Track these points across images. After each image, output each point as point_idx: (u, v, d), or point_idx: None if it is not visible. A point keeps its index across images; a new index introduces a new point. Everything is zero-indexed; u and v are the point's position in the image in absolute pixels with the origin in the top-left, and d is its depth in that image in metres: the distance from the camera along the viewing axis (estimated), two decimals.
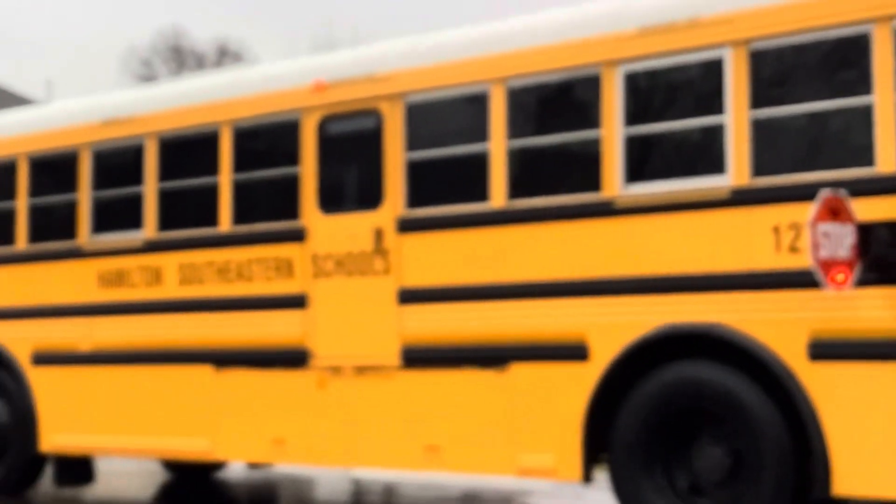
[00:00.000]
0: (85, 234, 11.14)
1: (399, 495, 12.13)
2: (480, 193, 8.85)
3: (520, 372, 8.60)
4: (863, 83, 7.33)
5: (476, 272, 8.83)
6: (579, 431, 8.28)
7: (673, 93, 8.24)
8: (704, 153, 7.95)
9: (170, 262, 10.59)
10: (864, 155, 7.31)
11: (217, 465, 13.27)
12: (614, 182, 8.23)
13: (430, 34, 9.54)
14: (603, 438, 8.29)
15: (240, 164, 10.19)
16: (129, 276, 10.85)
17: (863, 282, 7.22)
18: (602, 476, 8.44)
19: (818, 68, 7.60)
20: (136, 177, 10.87)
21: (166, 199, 10.68)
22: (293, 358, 9.73)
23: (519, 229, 8.66)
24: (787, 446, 7.51)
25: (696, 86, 8.06)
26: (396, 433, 9.18)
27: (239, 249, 10.13)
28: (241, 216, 10.18)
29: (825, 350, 7.36)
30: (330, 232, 9.60)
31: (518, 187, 8.70)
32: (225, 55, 48.59)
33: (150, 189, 10.75)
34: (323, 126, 9.71)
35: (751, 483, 7.62)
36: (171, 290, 10.57)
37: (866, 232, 7.22)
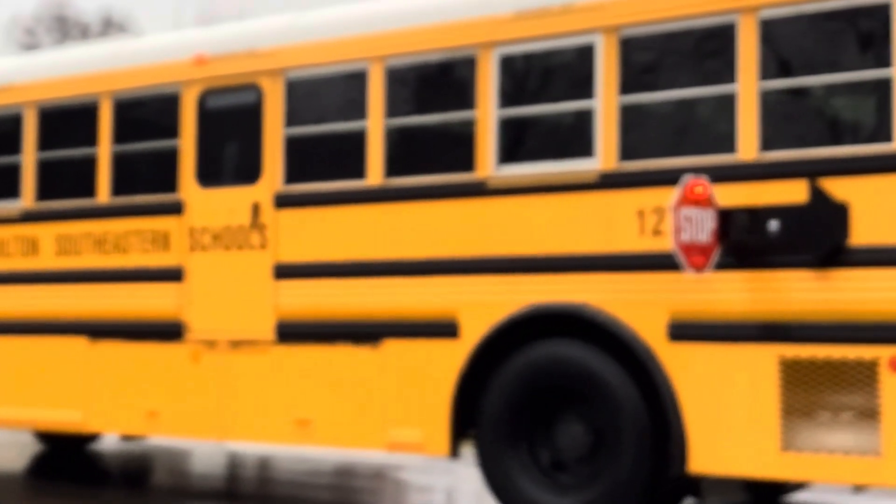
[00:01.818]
0: None
1: (273, 469, 12.20)
2: (357, 171, 8.93)
3: (392, 348, 8.70)
4: (727, 72, 7.54)
5: (351, 249, 8.91)
6: (448, 407, 8.40)
7: (546, 76, 8.38)
8: (575, 137, 8.10)
9: (47, 233, 10.52)
10: (727, 142, 7.52)
11: (90, 437, 13.21)
12: (487, 163, 8.36)
13: (311, 11, 9.58)
14: (471, 415, 8.42)
15: (119, 135, 10.16)
16: (5, 246, 10.76)
17: (722, 265, 7.43)
18: (470, 451, 8.58)
19: (686, 56, 7.79)
20: (14, 146, 10.77)
21: (45, 169, 10.61)
22: (168, 331, 9.74)
23: (394, 207, 8.75)
24: (646, 425, 7.70)
25: (569, 70, 8.21)
26: (269, 407, 9.24)
27: (116, 221, 10.10)
28: (119, 188, 10.15)
29: (684, 331, 7.57)
30: (207, 205, 9.61)
31: (395, 166, 8.80)
32: (109, 26, 47.92)
33: (28, 159, 10.67)
34: (203, 100, 9.72)
35: (610, 460, 7.81)
36: (47, 260, 10.51)
37: (726, 217, 7.42)
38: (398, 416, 8.65)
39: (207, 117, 9.70)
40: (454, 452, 8.48)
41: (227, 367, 9.47)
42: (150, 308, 9.87)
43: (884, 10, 7.07)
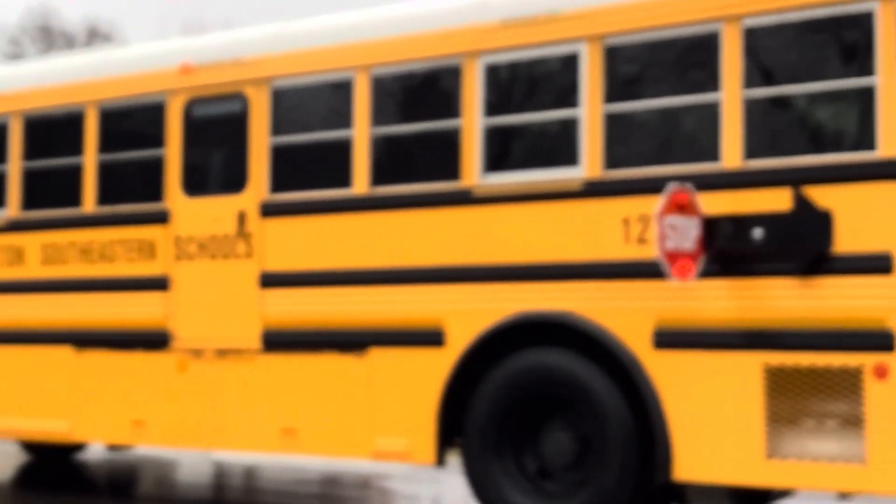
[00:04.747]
0: None
1: (259, 478, 12.19)
2: (343, 179, 8.94)
3: (379, 357, 8.71)
4: (711, 81, 7.57)
5: (337, 258, 8.92)
6: (434, 416, 8.41)
7: (532, 85, 8.40)
8: (560, 145, 8.13)
9: (32, 242, 10.51)
10: (711, 151, 7.55)
11: (76, 447, 13.18)
12: (473, 171, 8.38)
13: (297, 21, 9.60)
14: (457, 423, 8.43)
15: (105, 144, 10.16)
16: None
17: (706, 273, 7.46)
18: (456, 460, 8.59)
19: (670, 65, 7.82)
20: None
21: (30, 178, 10.60)
22: (154, 340, 9.74)
23: (380, 216, 8.76)
24: (632, 432, 7.72)
25: (554, 79, 8.24)
26: (255, 416, 9.24)
27: (102, 230, 10.10)
28: (105, 197, 10.15)
29: (669, 339, 7.59)
30: (193, 214, 9.61)
31: (380, 174, 8.81)
32: (95, 36, 47.85)
33: (13, 168, 10.66)
34: (189, 109, 9.72)
35: (596, 467, 7.82)
36: (33, 269, 10.50)
37: (711, 225, 7.45)
38: (384, 424, 8.66)
39: (193, 126, 9.71)
40: (440, 461, 8.49)
41: (214, 376, 9.46)
42: (136, 317, 9.86)
43: (867, 20, 7.11)
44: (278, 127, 9.28)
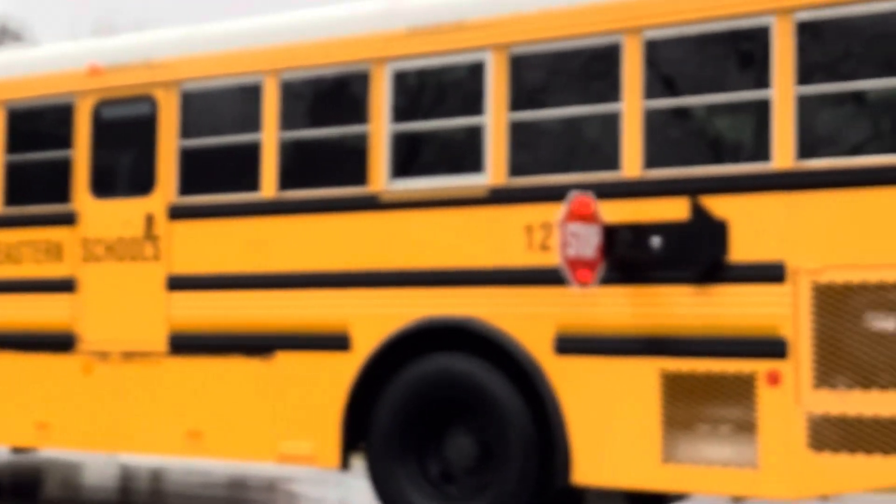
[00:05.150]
0: None
1: (165, 481, 12.15)
2: (251, 183, 8.96)
3: (285, 360, 8.74)
4: (613, 91, 7.69)
5: (245, 261, 8.94)
6: (339, 420, 8.45)
7: (439, 92, 8.48)
8: (466, 152, 8.21)
9: None
10: (612, 160, 7.67)
11: None
12: (380, 177, 8.43)
13: (207, 24, 9.60)
14: (362, 427, 8.48)
15: (12, 145, 10.09)
16: None
17: (606, 280, 7.58)
18: (361, 463, 8.63)
19: (573, 75, 7.93)
20: None
21: None
22: (60, 342, 9.68)
23: (287, 220, 8.79)
24: (532, 437, 7.81)
25: (461, 87, 8.32)
26: (161, 419, 9.22)
27: (9, 231, 10.02)
28: (12, 198, 10.07)
29: (570, 344, 7.70)
30: (101, 216, 9.58)
31: (288, 179, 8.84)
32: (5, 35, 47.15)
33: None
34: (97, 110, 9.68)
35: (497, 471, 7.91)
36: None
37: (611, 233, 7.57)
38: (290, 428, 8.68)
39: (102, 128, 9.67)
40: (345, 465, 8.53)
41: (120, 379, 9.43)
42: (42, 319, 9.80)
43: (763, 34, 7.27)
44: (187, 130, 9.28)
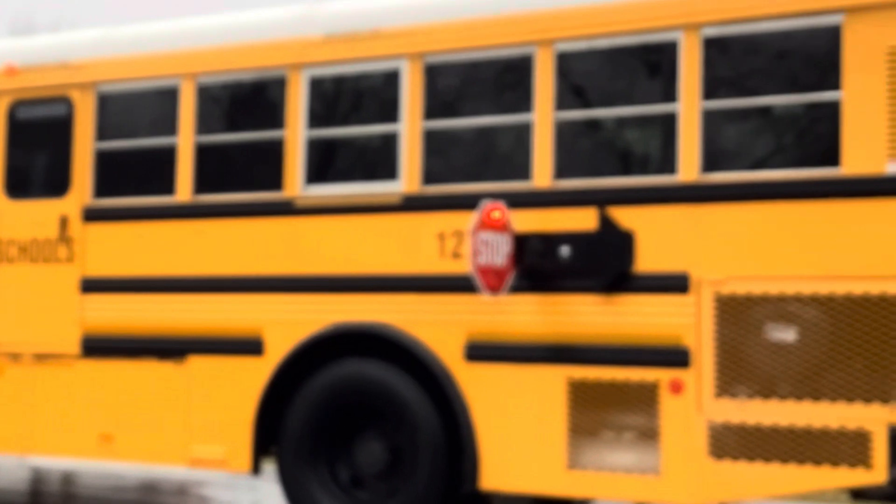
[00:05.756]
0: None
1: (77, 484, 12.08)
2: (167, 187, 8.96)
3: (197, 364, 8.75)
4: (525, 102, 7.79)
5: (159, 265, 8.94)
6: (251, 424, 8.48)
7: (355, 99, 8.54)
8: (380, 159, 8.27)
9: None
10: (523, 170, 7.77)
11: None
12: (295, 182, 8.48)
13: (125, 26, 9.58)
14: (274, 432, 8.52)
15: None
16: None
17: (516, 288, 7.67)
18: (273, 468, 8.66)
19: (487, 85, 8.02)
20: None
21: None
22: None
23: (202, 224, 8.80)
24: (442, 442, 7.89)
25: (376, 94, 8.38)
26: (73, 422, 9.19)
27: None
28: None
29: (480, 352, 7.79)
30: (15, 217, 9.53)
31: (204, 183, 8.85)
32: None
33: None
34: (12, 111, 9.64)
35: (406, 476, 7.98)
36: None
37: (521, 242, 7.67)
38: (201, 432, 8.69)
39: (17, 128, 9.62)
40: (256, 469, 8.55)
41: (32, 381, 9.38)
42: None
43: (671, 48, 7.41)
44: (103, 132, 9.26)
